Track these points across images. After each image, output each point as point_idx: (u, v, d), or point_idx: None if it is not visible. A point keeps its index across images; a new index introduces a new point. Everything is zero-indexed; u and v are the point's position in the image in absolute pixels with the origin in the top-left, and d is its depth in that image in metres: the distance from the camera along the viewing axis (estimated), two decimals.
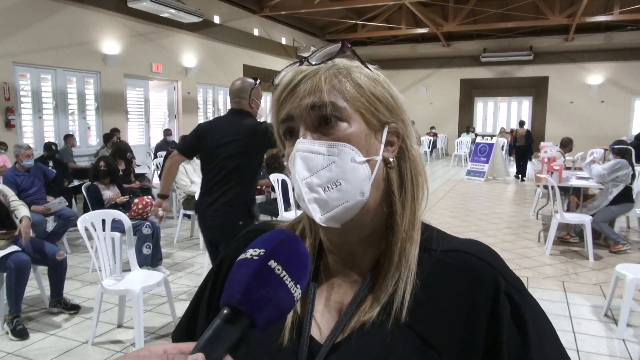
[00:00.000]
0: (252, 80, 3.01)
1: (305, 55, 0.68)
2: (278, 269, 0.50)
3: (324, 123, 0.63)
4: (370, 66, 0.68)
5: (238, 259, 0.52)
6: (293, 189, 0.64)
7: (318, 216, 0.63)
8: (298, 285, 0.51)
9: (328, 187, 0.62)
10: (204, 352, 0.45)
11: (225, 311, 0.49)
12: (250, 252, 0.52)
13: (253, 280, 0.49)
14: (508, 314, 0.63)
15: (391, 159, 0.66)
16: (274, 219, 4.85)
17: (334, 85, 0.63)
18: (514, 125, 19.40)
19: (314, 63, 0.66)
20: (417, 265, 0.65)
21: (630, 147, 5.56)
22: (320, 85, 0.63)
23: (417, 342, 0.62)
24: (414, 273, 0.65)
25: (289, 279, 0.51)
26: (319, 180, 0.62)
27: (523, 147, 11.72)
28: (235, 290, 0.49)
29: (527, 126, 18.80)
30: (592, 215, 5.35)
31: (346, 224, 0.64)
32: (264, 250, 0.51)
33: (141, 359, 0.44)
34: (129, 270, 3.57)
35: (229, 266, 0.77)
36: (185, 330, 0.81)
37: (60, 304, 3.75)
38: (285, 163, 0.64)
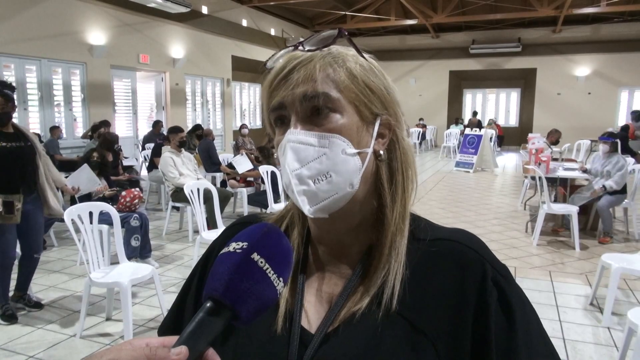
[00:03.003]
0: None
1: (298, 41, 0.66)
2: (261, 262, 0.50)
3: (316, 113, 0.62)
4: (365, 55, 0.67)
5: (221, 252, 0.52)
6: (282, 177, 0.63)
7: (307, 208, 0.63)
8: (281, 278, 0.51)
9: (318, 180, 0.62)
10: (187, 345, 0.45)
11: (208, 304, 0.48)
12: (233, 246, 0.51)
13: (236, 273, 0.49)
14: (495, 301, 0.63)
15: (382, 152, 0.66)
16: (263, 210, 4.85)
17: (328, 74, 0.62)
18: (502, 116, 19.64)
19: (309, 49, 0.64)
20: (405, 256, 0.66)
21: (617, 140, 5.96)
22: (314, 75, 0.62)
23: (408, 329, 0.62)
24: (404, 263, 0.65)
25: (272, 272, 0.50)
26: (309, 172, 0.62)
27: None
28: (218, 283, 0.49)
29: (516, 117, 19.24)
30: (580, 206, 5.43)
31: (334, 213, 0.64)
32: (247, 243, 0.51)
33: (123, 352, 0.44)
34: (117, 263, 3.55)
35: (215, 258, 0.77)
36: (172, 323, 0.80)
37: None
38: (274, 152, 0.63)
